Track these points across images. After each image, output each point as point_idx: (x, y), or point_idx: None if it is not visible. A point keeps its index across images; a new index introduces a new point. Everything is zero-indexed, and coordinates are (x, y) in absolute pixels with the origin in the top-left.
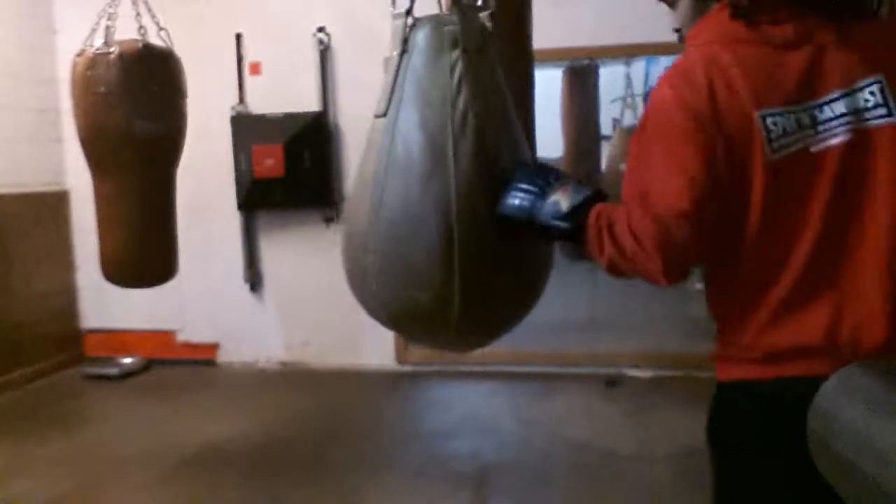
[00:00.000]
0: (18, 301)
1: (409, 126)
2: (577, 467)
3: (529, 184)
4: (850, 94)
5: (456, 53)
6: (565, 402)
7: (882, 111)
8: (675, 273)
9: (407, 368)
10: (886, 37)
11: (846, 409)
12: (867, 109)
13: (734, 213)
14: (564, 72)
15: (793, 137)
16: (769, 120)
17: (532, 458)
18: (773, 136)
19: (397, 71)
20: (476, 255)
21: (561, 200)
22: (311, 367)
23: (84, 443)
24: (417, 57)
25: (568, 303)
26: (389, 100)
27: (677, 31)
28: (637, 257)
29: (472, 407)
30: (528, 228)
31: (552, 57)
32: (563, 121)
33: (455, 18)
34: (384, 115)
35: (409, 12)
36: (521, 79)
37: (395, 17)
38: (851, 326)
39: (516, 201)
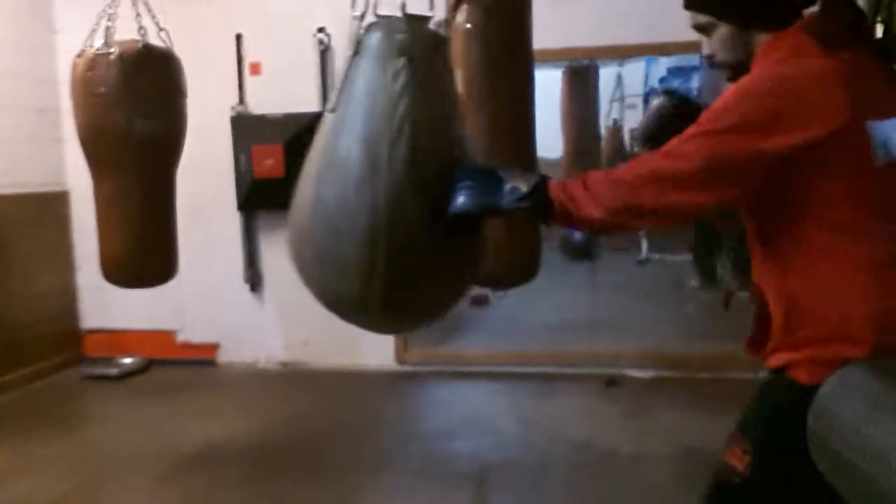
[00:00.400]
0: (18, 301)
1: (351, 127)
2: (577, 467)
3: (481, 180)
4: None
5: (402, 61)
6: (565, 402)
7: None
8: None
9: (407, 368)
10: None
11: (846, 410)
12: None
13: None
14: (564, 72)
15: (891, 146)
16: (877, 129)
17: (532, 458)
18: (877, 143)
19: (347, 71)
20: (400, 255)
21: (519, 186)
22: (311, 367)
23: (84, 443)
24: (367, 60)
25: (568, 303)
26: (339, 98)
27: (710, 57)
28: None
29: (473, 407)
30: (485, 217)
31: (552, 57)
32: (562, 121)
33: (405, 27)
34: (333, 111)
35: (362, 16)
36: (520, 79)
37: (354, 18)
38: None
39: (472, 197)
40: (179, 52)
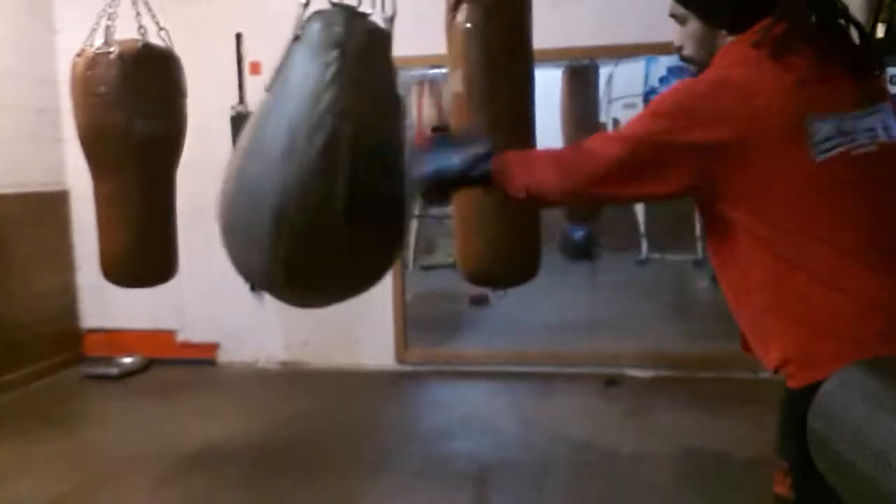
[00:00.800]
0: (18, 301)
1: (280, 111)
2: (577, 467)
3: (441, 151)
4: (872, 113)
5: (334, 54)
6: (566, 402)
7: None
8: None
9: (407, 368)
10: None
11: (846, 409)
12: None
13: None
14: (564, 72)
15: (834, 142)
16: (815, 125)
17: (532, 458)
18: (816, 140)
19: (286, 55)
20: (300, 238)
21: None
22: (311, 366)
23: (84, 443)
24: (303, 48)
25: (568, 303)
26: (274, 80)
27: (678, 49)
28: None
29: (473, 407)
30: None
31: (552, 57)
32: (562, 120)
33: (342, 20)
34: (268, 90)
35: (306, 4)
36: (520, 79)
37: (300, 4)
38: None
39: (434, 166)
40: (179, 51)
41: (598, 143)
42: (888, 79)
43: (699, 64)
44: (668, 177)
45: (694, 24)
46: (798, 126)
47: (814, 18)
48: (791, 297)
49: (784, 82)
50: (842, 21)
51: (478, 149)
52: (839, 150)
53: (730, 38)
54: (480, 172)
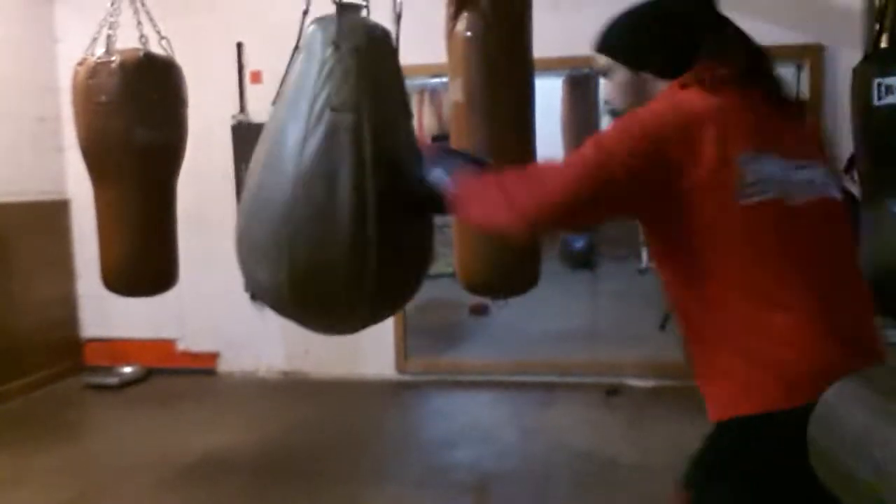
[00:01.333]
0: (18, 310)
1: (281, 118)
2: (578, 477)
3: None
4: (807, 166)
5: (329, 51)
6: (566, 411)
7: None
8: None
9: (407, 378)
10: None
11: (846, 419)
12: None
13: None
14: (565, 81)
15: (767, 186)
16: (748, 166)
17: (533, 467)
18: (747, 180)
19: (288, 66)
20: (306, 245)
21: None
22: (311, 376)
23: (84, 452)
24: (303, 54)
25: (568, 312)
26: (279, 91)
27: (607, 102)
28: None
29: (473, 416)
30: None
31: (553, 66)
32: (563, 129)
33: (334, 17)
34: (273, 104)
35: (305, 13)
36: (521, 87)
37: (302, 13)
38: None
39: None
40: (180, 60)
41: (548, 170)
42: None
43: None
44: (616, 206)
45: (622, 74)
46: (730, 164)
47: (744, 64)
48: (727, 327)
49: (723, 118)
50: (771, 71)
51: (443, 171)
52: (769, 196)
53: (660, 84)
54: (437, 198)
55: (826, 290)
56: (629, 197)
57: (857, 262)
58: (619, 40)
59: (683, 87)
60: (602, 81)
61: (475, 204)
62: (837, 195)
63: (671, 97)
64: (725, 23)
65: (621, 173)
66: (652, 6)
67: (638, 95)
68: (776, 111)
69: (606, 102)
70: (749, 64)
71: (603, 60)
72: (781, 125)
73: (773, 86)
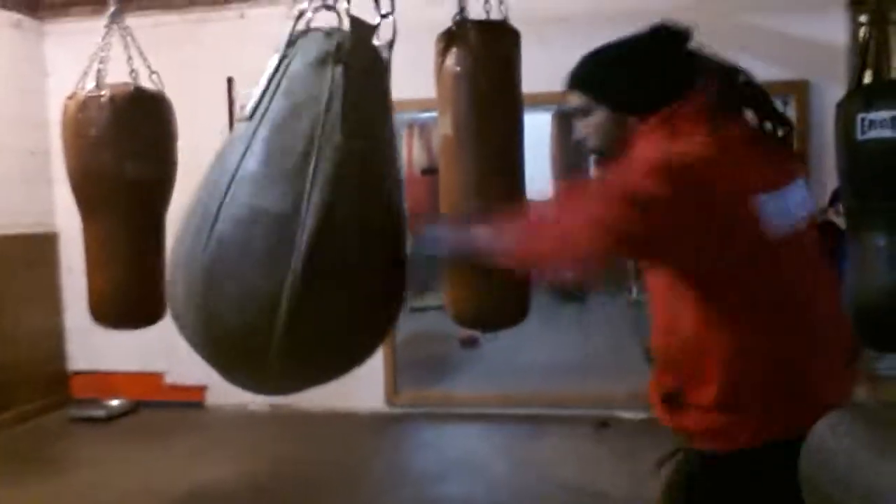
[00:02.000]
0: (6, 342)
1: (268, 138)
2: None
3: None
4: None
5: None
6: (557, 444)
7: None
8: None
9: (397, 410)
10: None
11: (835, 451)
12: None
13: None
14: (554, 115)
15: (781, 219)
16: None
17: (524, 501)
18: (767, 215)
19: (273, 76)
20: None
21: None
22: (300, 408)
23: (71, 486)
24: (298, 65)
25: (558, 344)
26: (258, 104)
27: (580, 141)
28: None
29: (464, 449)
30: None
31: (541, 101)
32: (552, 163)
33: (345, 33)
34: (249, 118)
35: (301, 15)
36: (509, 122)
37: (289, 18)
38: None
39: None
40: (171, 94)
41: (569, 219)
42: (882, 122)
43: (607, 153)
44: (648, 252)
45: (601, 114)
46: (752, 203)
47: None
48: (728, 358)
49: (731, 157)
50: (752, 98)
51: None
52: (782, 225)
53: (638, 122)
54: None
55: (816, 320)
56: (663, 242)
57: (834, 288)
58: (597, 78)
59: (667, 125)
60: (575, 123)
61: (531, 242)
62: (813, 211)
63: (676, 137)
64: (702, 59)
65: (662, 220)
66: (628, 44)
67: (616, 134)
68: (762, 141)
69: (580, 142)
70: (729, 98)
71: (578, 99)
72: (767, 154)
73: (762, 112)
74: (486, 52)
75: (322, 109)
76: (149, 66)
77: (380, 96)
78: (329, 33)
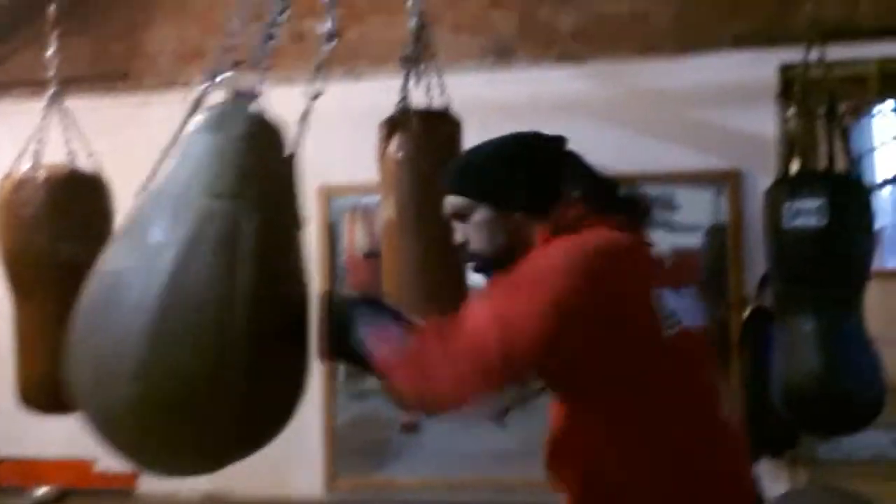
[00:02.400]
0: None
1: (146, 210)
2: None
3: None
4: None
5: (220, 136)
6: None
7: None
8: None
9: (336, 498)
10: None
11: None
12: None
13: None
14: None
15: (672, 319)
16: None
17: None
18: (664, 314)
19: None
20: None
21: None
22: (235, 497)
23: None
24: (184, 135)
25: (505, 428)
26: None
27: (461, 246)
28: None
29: None
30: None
31: None
32: None
33: (225, 103)
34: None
35: (199, 98)
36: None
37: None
38: None
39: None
40: (111, 176)
41: (467, 338)
42: (807, 211)
43: (492, 255)
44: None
45: (482, 214)
46: (647, 299)
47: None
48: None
49: (631, 255)
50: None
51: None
52: (677, 327)
53: (526, 222)
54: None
55: (716, 425)
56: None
57: (723, 394)
58: (479, 180)
59: (563, 221)
60: (455, 226)
61: (412, 370)
62: (702, 321)
63: (579, 234)
64: (575, 158)
65: (573, 325)
66: (504, 144)
67: (501, 234)
68: (648, 244)
69: (462, 247)
70: (607, 198)
71: (457, 202)
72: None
73: (634, 213)
74: (429, 138)
75: (193, 170)
76: (87, 148)
77: (263, 161)
78: (211, 107)
